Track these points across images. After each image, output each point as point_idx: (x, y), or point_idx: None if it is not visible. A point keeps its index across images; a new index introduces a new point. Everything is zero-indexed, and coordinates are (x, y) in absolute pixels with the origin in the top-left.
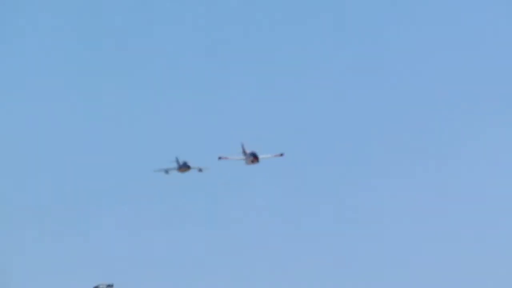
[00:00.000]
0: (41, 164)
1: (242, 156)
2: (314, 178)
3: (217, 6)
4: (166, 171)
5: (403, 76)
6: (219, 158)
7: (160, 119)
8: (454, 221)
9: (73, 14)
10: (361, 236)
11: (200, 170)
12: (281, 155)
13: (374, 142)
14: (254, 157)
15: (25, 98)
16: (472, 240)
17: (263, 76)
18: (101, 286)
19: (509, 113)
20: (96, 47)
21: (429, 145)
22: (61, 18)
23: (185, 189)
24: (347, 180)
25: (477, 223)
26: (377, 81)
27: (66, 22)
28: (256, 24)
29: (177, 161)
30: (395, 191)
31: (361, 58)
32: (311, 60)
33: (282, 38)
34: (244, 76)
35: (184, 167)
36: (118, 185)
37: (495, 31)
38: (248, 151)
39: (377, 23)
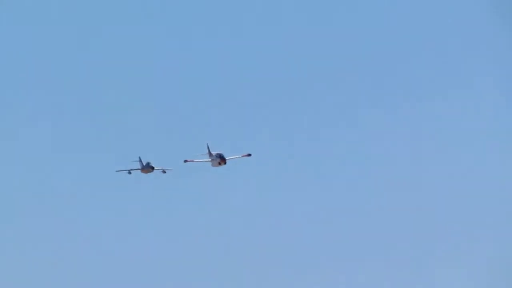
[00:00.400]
0: None
1: (208, 158)
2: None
3: None
4: (129, 172)
5: None
6: (185, 161)
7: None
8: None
9: None
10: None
11: (164, 171)
12: (249, 155)
13: None
14: (221, 159)
15: None
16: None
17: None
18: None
19: None
20: None
21: None
22: None
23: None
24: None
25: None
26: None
27: None
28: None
29: (140, 161)
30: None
31: None
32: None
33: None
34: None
35: (147, 167)
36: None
37: None
38: (214, 152)
39: None
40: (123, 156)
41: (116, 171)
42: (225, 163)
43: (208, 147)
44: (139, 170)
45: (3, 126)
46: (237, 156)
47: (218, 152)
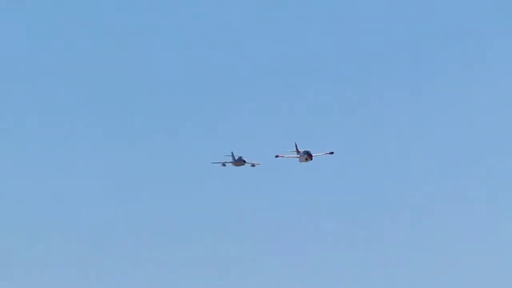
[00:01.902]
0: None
1: (296, 155)
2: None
3: None
4: (223, 164)
5: None
6: (276, 156)
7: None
8: None
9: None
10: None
11: (253, 165)
12: (331, 153)
13: None
14: (308, 155)
15: None
16: None
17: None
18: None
19: None
20: None
21: None
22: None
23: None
24: None
25: None
26: None
27: None
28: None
29: (233, 155)
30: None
31: None
32: None
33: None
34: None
35: (239, 161)
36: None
37: None
38: (301, 150)
39: None
40: (219, 150)
41: (212, 163)
42: (311, 159)
43: (296, 145)
44: (231, 163)
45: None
46: (321, 154)
47: (306, 149)
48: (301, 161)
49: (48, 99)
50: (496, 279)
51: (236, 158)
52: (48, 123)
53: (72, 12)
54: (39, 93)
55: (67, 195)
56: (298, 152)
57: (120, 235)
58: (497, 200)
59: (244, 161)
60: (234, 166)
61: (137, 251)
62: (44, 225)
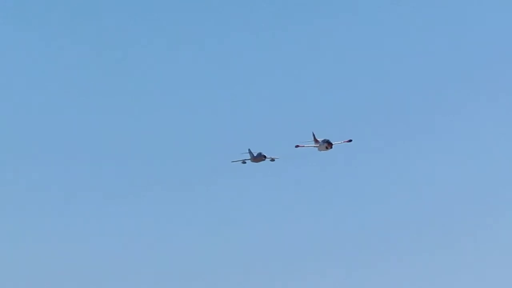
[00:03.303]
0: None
1: (314, 144)
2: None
3: None
4: (244, 161)
5: None
6: (296, 146)
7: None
8: None
9: None
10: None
11: (272, 159)
12: (350, 141)
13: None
14: (328, 144)
15: None
16: None
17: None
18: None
19: None
20: None
21: None
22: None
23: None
24: None
25: None
26: None
27: None
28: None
29: (250, 152)
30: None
31: None
32: None
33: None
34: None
35: (259, 157)
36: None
37: None
38: (320, 139)
39: None
40: (234, 149)
41: (232, 161)
42: (331, 147)
43: (313, 135)
44: (250, 160)
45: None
46: (340, 142)
47: (324, 138)
48: (320, 150)
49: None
50: None
51: (255, 154)
52: None
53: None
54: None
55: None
56: (316, 141)
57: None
58: None
59: (265, 156)
60: (253, 163)
61: None
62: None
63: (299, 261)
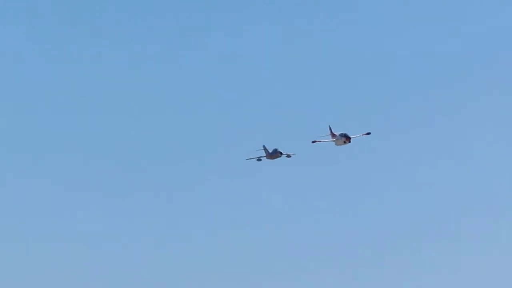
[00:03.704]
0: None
1: (331, 138)
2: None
3: None
4: (259, 159)
5: None
6: (313, 142)
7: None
8: None
9: None
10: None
11: (288, 156)
12: (368, 133)
13: None
14: (346, 138)
15: None
16: None
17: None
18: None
19: None
20: None
21: None
22: None
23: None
24: None
25: None
26: None
27: None
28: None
29: (265, 148)
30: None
31: None
32: None
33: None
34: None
35: (275, 153)
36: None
37: None
38: (337, 133)
39: None
40: (246, 146)
41: (246, 159)
42: (349, 141)
43: (330, 128)
44: (265, 157)
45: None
46: (358, 135)
47: (342, 132)
48: (338, 145)
49: None
50: None
51: (270, 151)
52: None
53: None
54: None
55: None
56: (333, 135)
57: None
58: None
59: (281, 153)
60: (269, 160)
61: None
62: None
63: (313, 260)
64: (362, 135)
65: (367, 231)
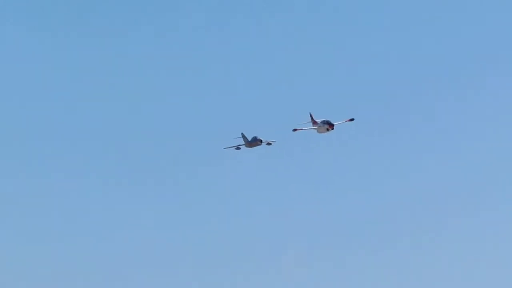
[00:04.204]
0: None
1: (312, 126)
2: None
3: None
4: (238, 147)
5: None
6: (294, 130)
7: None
8: None
9: None
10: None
11: (269, 143)
12: (352, 120)
13: None
14: (329, 125)
15: None
16: None
17: None
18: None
19: None
20: None
21: None
22: None
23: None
24: None
25: None
26: None
27: None
28: None
29: (244, 136)
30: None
31: None
32: None
33: None
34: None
35: (255, 141)
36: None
37: None
38: (319, 120)
39: None
40: (224, 134)
41: (224, 148)
42: (333, 128)
43: (311, 116)
44: (244, 145)
45: None
46: (341, 122)
47: (324, 119)
48: (320, 132)
49: None
50: None
51: (249, 139)
52: None
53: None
54: None
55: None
56: (314, 123)
57: None
58: None
59: (261, 141)
60: (248, 148)
61: None
62: None
63: (294, 251)
64: (345, 121)
65: (353, 222)
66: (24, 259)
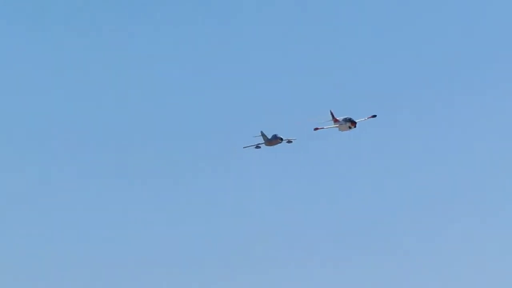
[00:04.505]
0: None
1: (334, 124)
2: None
3: None
4: (258, 146)
5: None
6: (315, 129)
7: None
8: None
9: None
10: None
11: (289, 141)
12: (374, 116)
13: None
14: (351, 123)
15: None
16: None
17: None
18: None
19: None
20: None
21: None
22: None
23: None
24: None
25: None
26: None
27: None
28: None
29: (263, 134)
30: None
31: None
32: None
33: None
34: None
35: (275, 139)
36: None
37: None
38: (340, 118)
39: None
40: (244, 133)
41: (244, 147)
42: (355, 126)
43: (332, 113)
44: (264, 144)
45: None
46: (363, 119)
47: (346, 116)
48: (342, 130)
49: None
50: None
51: (269, 137)
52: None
53: None
54: None
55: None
56: (336, 120)
57: None
58: None
59: (281, 139)
60: (268, 146)
61: None
62: None
63: (311, 251)
64: (368, 118)
65: (374, 223)
66: (23, 259)
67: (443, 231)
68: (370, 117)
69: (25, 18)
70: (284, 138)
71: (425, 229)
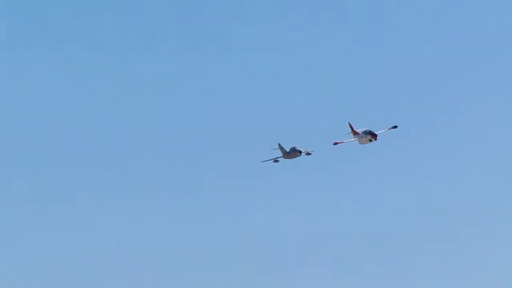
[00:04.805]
0: None
1: (353, 137)
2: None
3: None
4: (276, 160)
5: None
6: (335, 143)
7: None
8: None
9: None
10: None
11: (308, 153)
12: (395, 127)
13: None
14: (372, 135)
15: None
16: None
17: None
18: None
19: None
20: None
21: None
22: None
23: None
24: None
25: None
26: None
27: None
28: None
29: (281, 147)
30: None
31: None
32: None
33: None
34: None
35: (294, 152)
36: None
37: None
38: (360, 130)
39: None
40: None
41: (262, 161)
42: (376, 138)
43: (350, 126)
44: (282, 157)
45: None
46: (384, 130)
47: (366, 129)
48: (362, 143)
49: None
50: None
51: (288, 150)
52: None
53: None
54: None
55: None
56: (355, 133)
57: None
58: None
59: (300, 151)
60: (286, 159)
61: None
62: None
63: (328, 262)
64: (388, 129)
65: (397, 234)
66: (24, 265)
67: (458, 238)
68: (391, 128)
69: (25, 18)
70: (303, 151)
71: (442, 237)
